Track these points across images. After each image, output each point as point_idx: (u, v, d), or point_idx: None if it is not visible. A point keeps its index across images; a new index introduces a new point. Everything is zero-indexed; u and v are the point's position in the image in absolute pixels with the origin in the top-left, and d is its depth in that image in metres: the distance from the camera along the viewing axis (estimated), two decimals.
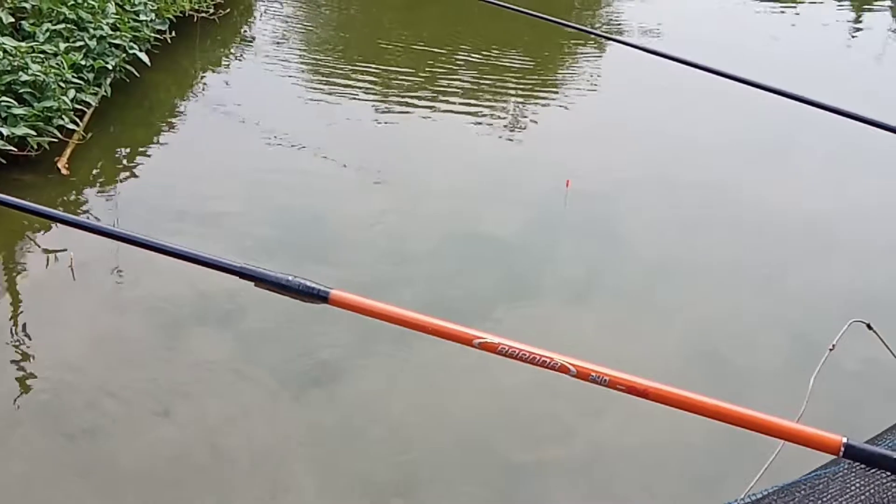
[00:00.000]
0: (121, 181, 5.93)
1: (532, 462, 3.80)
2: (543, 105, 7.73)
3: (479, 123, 7.18)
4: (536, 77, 8.30)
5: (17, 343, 4.29)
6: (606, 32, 9.70)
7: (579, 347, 4.49)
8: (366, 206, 5.76)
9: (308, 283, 1.27)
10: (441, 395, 4.17)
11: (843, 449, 0.93)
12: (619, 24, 10.00)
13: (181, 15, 7.60)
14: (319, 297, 1.25)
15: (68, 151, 5.88)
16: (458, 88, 7.86)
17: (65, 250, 4.94)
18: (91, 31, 6.43)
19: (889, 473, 0.94)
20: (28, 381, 4.07)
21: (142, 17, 7.00)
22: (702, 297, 5.08)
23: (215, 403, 4.01)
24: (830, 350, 3.09)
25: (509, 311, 4.78)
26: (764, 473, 1.93)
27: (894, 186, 6.50)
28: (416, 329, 1.23)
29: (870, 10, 11.13)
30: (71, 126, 5.88)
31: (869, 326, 3.14)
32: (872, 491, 1.03)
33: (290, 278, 1.28)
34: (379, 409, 4.06)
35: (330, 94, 7.51)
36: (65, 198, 5.62)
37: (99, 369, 4.16)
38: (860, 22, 10.60)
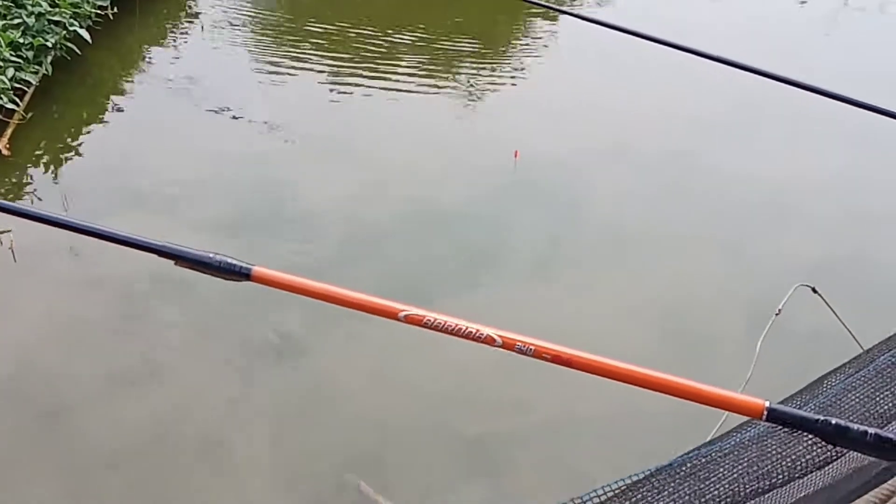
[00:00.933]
0: (64, 161, 5.81)
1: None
2: (498, 78, 7.69)
3: (435, 94, 7.14)
4: (490, 50, 8.26)
5: None
6: (560, 3, 9.65)
7: (535, 316, 4.51)
8: (320, 180, 5.70)
9: (230, 261, 1.23)
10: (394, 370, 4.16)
11: (765, 412, 0.92)
12: None
13: None
14: (241, 273, 1.21)
15: (9, 132, 5.73)
16: (411, 62, 7.79)
17: (8, 231, 4.83)
18: (29, 7, 6.25)
19: (810, 436, 0.94)
20: None
21: None
22: (658, 266, 5.11)
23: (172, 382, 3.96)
24: (777, 315, 3.13)
25: (467, 283, 4.78)
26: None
27: (851, 157, 6.54)
28: (341, 304, 1.20)
29: None
30: (10, 106, 5.72)
31: (814, 290, 3.18)
32: (792, 453, 1.03)
33: (211, 255, 1.23)
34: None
35: (279, 68, 7.40)
36: (6, 179, 5.49)
37: (52, 351, 4.09)
38: None
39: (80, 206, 5.19)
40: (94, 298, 4.45)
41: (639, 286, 4.91)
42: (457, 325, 1.09)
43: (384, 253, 5.06)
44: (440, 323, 1.11)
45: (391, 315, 1.14)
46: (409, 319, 1.13)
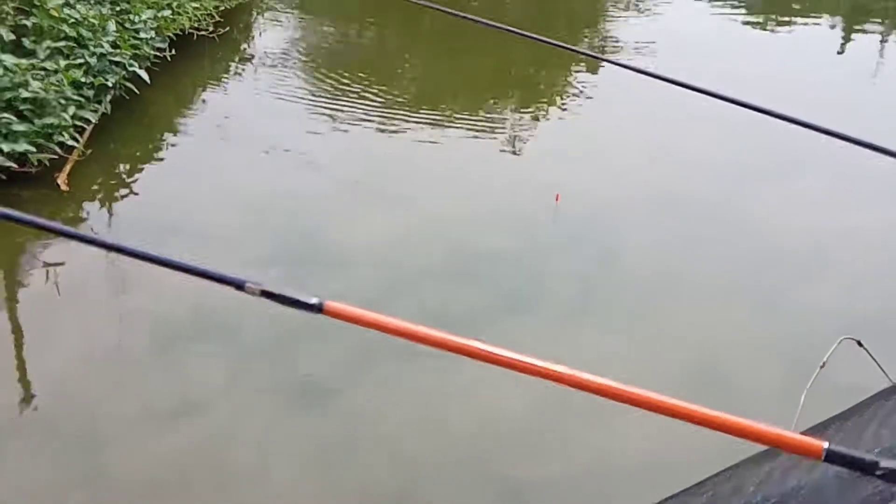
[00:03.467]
0: (119, 198, 5.97)
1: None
2: (542, 122, 7.77)
3: (478, 139, 7.24)
4: (533, 96, 8.36)
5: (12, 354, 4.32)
6: (602, 49, 9.76)
7: (575, 363, 4.51)
8: (365, 224, 5.79)
9: (303, 296, 1.29)
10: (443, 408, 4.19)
11: (824, 453, 0.95)
12: (616, 42, 10.05)
13: (181, 33, 7.66)
14: (315, 307, 1.27)
15: (68, 167, 5.92)
16: (458, 108, 7.92)
17: (62, 264, 4.97)
18: (91, 48, 6.48)
19: (869, 477, 0.96)
20: (23, 391, 4.09)
21: (142, 35, 7.06)
22: (698, 315, 5.10)
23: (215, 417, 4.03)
24: (822, 367, 3.12)
25: (505, 327, 4.81)
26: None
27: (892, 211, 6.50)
28: (408, 338, 1.26)
29: (862, 31, 11.18)
30: (71, 143, 5.92)
31: (860, 343, 3.16)
32: (853, 495, 1.06)
33: (286, 289, 1.30)
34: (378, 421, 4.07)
35: (330, 112, 7.56)
36: (63, 214, 5.65)
37: (92, 383, 4.18)
38: (851, 40, 10.66)
39: (133, 241, 5.30)
40: (134, 331, 4.54)
41: (678, 336, 4.90)
42: (530, 364, 1.14)
43: (422, 295, 5.12)
44: (513, 361, 1.15)
45: (462, 352, 1.19)
46: (479, 356, 1.18)
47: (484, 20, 3.74)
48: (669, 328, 4.94)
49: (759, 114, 2.73)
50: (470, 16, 3.71)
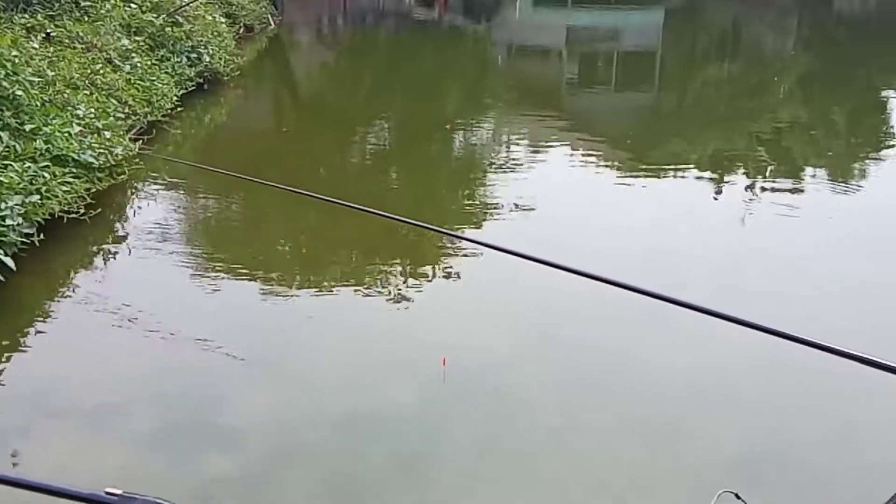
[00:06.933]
0: None
1: None
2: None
3: (367, 299, 7.20)
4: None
5: None
6: (484, 210, 9.98)
7: None
8: (252, 395, 5.62)
9: (156, 501, 1.16)
10: None
11: None
12: (496, 200, 10.25)
13: (50, 217, 7.45)
14: None
15: None
16: (341, 273, 7.91)
17: None
18: None
19: None
20: None
21: (8, 222, 6.82)
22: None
23: None
24: None
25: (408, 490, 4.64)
26: None
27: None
28: None
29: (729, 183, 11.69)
30: None
31: (737, 496, 3.15)
32: None
33: (134, 497, 1.16)
34: None
35: (208, 283, 7.41)
36: None
37: None
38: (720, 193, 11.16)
39: (8, 430, 5.05)
40: None
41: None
42: None
43: (318, 462, 4.94)
44: None
45: None
46: None
47: (363, 207, 3.75)
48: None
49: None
50: (353, 204, 3.72)
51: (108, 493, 1.13)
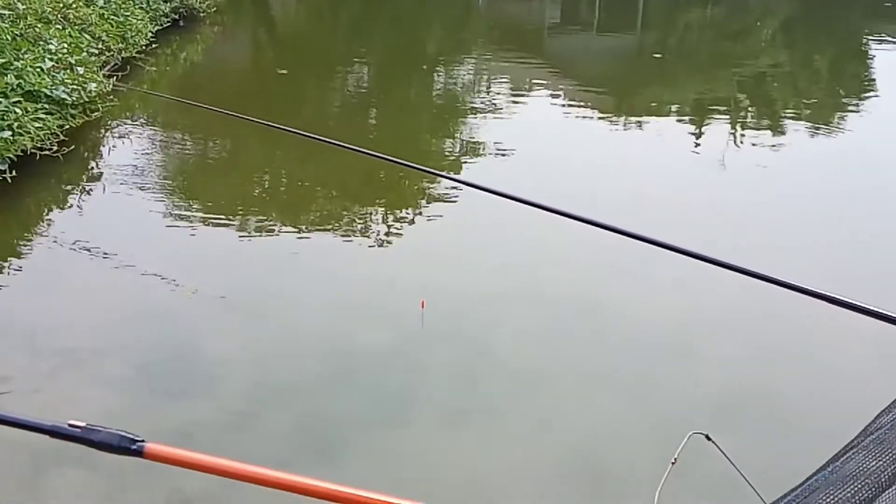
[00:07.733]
0: None
1: None
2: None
3: (346, 241, 7.15)
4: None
5: None
6: (466, 155, 9.90)
7: (454, 463, 4.39)
8: (229, 335, 5.58)
9: (119, 433, 1.13)
10: None
11: None
12: (475, 142, 10.17)
13: (22, 153, 7.30)
14: (132, 451, 1.10)
15: None
16: (321, 212, 7.84)
17: None
18: None
19: None
20: None
21: None
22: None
23: None
24: (673, 464, 3.07)
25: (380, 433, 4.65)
26: None
27: None
28: (251, 482, 1.10)
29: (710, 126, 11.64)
30: None
31: (708, 437, 3.14)
32: None
33: (98, 429, 1.13)
34: None
35: (185, 223, 7.32)
36: None
37: None
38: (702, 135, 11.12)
39: None
40: None
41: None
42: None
43: (296, 402, 4.93)
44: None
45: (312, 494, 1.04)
46: (329, 496, 1.04)
47: (345, 144, 3.67)
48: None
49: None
50: (335, 141, 3.63)
51: (71, 426, 1.10)
